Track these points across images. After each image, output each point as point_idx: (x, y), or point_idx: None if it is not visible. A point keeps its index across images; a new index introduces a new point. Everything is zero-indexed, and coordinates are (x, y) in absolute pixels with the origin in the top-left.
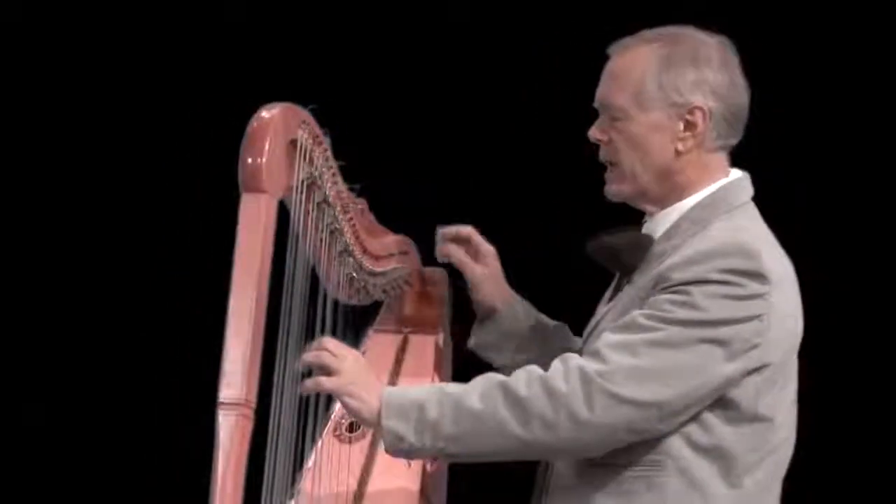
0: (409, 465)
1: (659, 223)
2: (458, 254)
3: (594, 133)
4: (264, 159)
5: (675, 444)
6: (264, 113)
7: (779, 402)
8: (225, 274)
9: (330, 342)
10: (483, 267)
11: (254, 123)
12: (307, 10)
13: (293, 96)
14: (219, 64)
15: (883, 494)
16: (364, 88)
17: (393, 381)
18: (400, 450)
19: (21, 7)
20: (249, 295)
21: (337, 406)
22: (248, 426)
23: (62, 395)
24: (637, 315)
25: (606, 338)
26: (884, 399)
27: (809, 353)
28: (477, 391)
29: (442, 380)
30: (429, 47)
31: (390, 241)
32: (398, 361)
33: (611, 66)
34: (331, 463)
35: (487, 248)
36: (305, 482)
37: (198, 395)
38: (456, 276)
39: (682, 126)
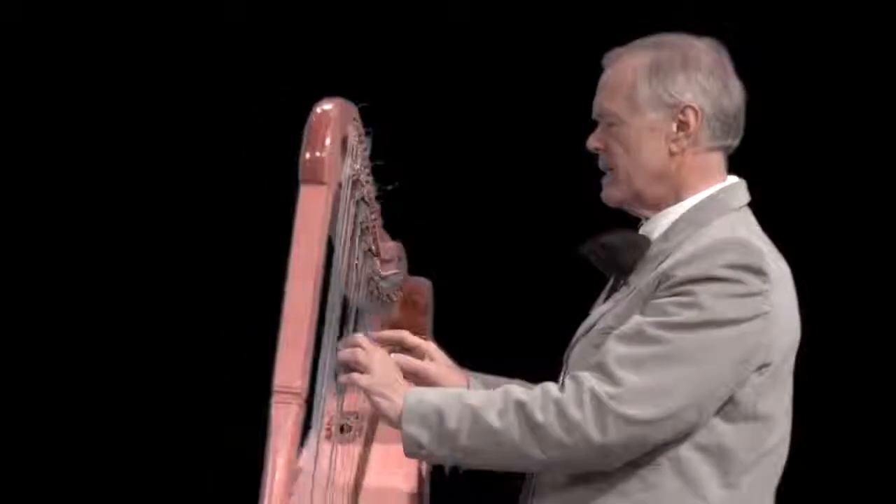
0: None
1: (655, 225)
2: (407, 361)
3: (591, 142)
4: (325, 153)
5: (673, 441)
6: (323, 106)
7: (777, 403)
8: (278, 264)
9: (363, 339)
10: (436, 364)
11: (313, 117)
12: (307, 11)
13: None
14: (219, 65)
15: (881, 495)
16: (363, 90)
17: None
18: (419, 455)
19: (21, 7)
20: (306, 285)
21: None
22: (300, 414)
23: (115, 383)
24: (643, 324)
25: (614, 350)
26: (881, 401)
27: (804, 357)
28: (495, 407)
29: None
30: (428, 48)
31: (391, 245)
32: None
33: (604, 77)
34: (324, 463)
35: (428, 345)
36: (297, 483)
37: (250, 384)
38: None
39: (674, 127)
